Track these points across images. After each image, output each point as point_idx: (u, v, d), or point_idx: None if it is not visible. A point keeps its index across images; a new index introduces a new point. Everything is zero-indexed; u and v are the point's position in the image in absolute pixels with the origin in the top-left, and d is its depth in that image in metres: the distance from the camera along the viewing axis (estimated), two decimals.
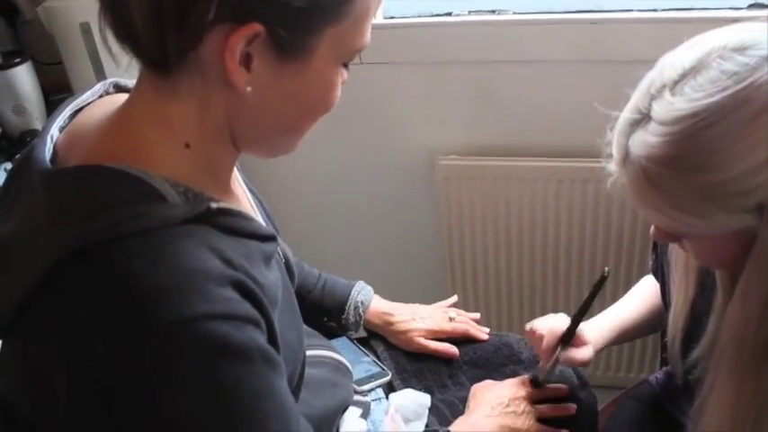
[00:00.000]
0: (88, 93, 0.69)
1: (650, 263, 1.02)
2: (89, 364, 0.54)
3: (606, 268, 0.94)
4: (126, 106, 0.64)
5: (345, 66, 0.65)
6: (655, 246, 0.99)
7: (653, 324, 1.06)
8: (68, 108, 0.67)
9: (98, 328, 0.54)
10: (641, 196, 0.72)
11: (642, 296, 1.08)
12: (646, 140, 0.69)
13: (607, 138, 0.75)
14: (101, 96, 0.70)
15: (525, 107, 1.48)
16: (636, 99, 0.72)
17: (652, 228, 0.79)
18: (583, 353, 0.97)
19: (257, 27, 0.56)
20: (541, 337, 0.98)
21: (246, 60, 0.58)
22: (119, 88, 0.71)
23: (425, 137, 1.57)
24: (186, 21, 0.55)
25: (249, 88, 0.59)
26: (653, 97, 0.69)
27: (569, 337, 0.96)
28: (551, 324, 0.99)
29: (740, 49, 0.66)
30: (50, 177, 0.60)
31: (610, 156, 0.75)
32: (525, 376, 1.01)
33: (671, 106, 0.67)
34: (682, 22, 1.31)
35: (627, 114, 0.72)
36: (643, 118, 0.70)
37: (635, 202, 0.74)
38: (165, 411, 0.55)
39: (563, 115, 1.46)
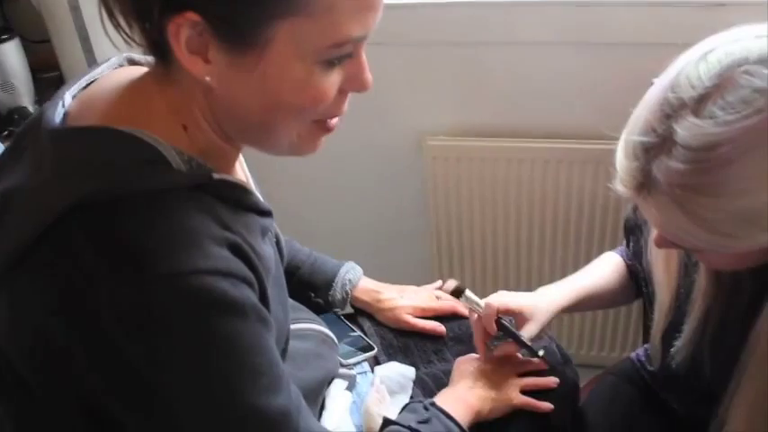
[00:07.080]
0: (104, 65, 0.71)
1: (628, 250, 1.01)
2: (88, 314, 0.56)
3: None
4: (138, 81, 0.66)
5: (333, 65, 0.62)
6: (628, 237, 0.97)
7: (612, 298, 1.06)
8: (84, 78, 0.69)
9: (99, 278, 0.56)
10: (669, 221, 0.67)
11: (604, 269, 1.07)
12: (674, 167, 0.63)
13: (617, 160, 0.69)
14: (115, 69, 0.71)
15: (514, 88, 1.49)
16: (646, 119, 0.65)
17: (654, 235, 0.74)
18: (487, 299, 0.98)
19: (192, 16, 0.57)
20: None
21: (203, 50, 0.59)
22: (132, 62, 0.72)
23: (414, 117, 1.58)
24: (149, 14, 0.57)
25: (208, 78, 0.60)
26: (671, 118, 0.63)
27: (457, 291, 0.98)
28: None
29: (766, 62, 0.61)
30: (60, 135, 0.61)
31: (618, 177, 0.69)
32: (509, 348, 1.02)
33: (700, 130, 0.61)
34: (667, 5, 1.31)
35: (637, 137, 0.65)
36: (663, 141, 0.63)
37: (660, 225, 0.69)
38: (158, 362, 0.57)
39: (551, 97, 1.47)
